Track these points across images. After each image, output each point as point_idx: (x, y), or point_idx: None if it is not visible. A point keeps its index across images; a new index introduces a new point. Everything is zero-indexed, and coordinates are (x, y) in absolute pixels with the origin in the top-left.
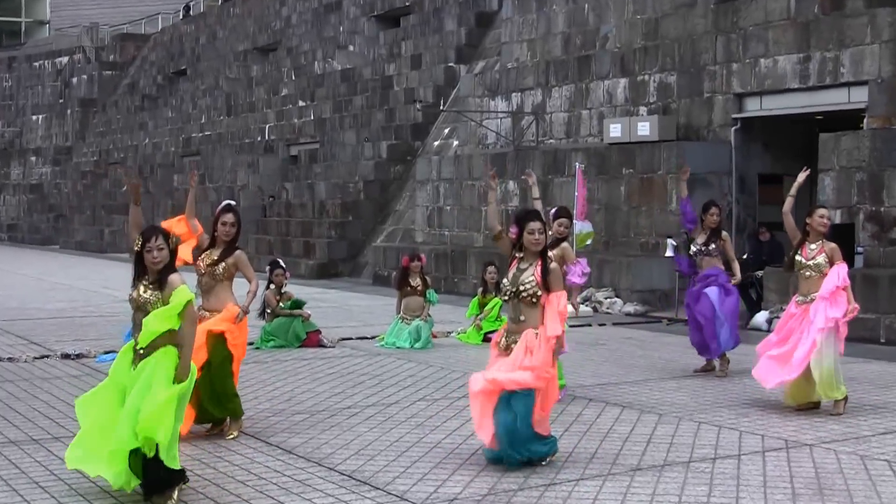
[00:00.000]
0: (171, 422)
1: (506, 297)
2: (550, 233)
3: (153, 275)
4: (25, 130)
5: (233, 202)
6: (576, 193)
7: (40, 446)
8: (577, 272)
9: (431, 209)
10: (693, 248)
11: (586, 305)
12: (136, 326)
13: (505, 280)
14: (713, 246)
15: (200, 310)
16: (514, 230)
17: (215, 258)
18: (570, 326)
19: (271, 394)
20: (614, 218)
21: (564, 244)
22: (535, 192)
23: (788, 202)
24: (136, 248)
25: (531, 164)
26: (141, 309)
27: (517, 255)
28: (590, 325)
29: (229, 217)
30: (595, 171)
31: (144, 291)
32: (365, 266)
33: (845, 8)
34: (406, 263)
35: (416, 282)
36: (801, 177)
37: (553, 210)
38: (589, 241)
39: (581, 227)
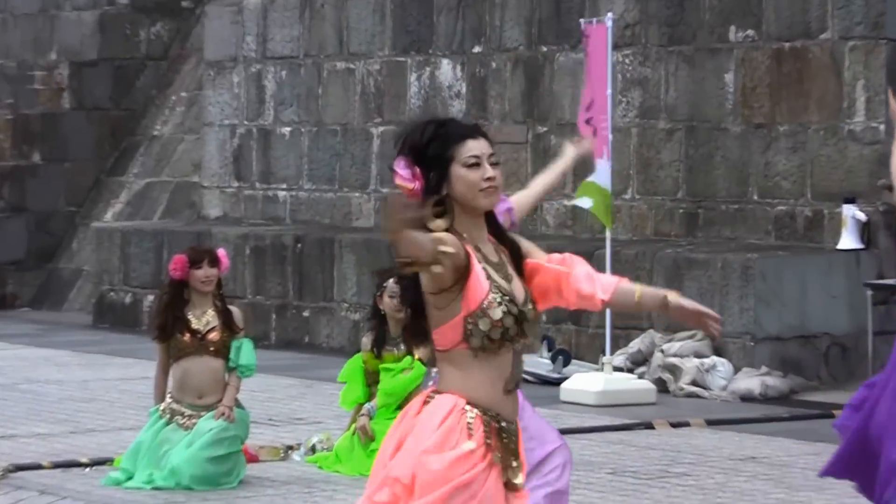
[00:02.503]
0: None
1: (493, 339)
2: None
3: None
4: None
5: None
6: (582, 97)
7: None
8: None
9: (244, 136)
10: None
11: (640, 375)
12: None
13: (494, 301)
14: None
15: None
16: (407, 173)
17: None
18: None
19: None
20: (706, 154)
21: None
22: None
23: None
24: None
25: (495, 11)
26: None
27: (441, 225)
28: (650, 429)
29: None
30: (653, 33)
31: None
32: (77, 281)
33: None
34: (179, 273)
35: (204, 320)
36: None
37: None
38: (587, 201)
39: (600, 170)
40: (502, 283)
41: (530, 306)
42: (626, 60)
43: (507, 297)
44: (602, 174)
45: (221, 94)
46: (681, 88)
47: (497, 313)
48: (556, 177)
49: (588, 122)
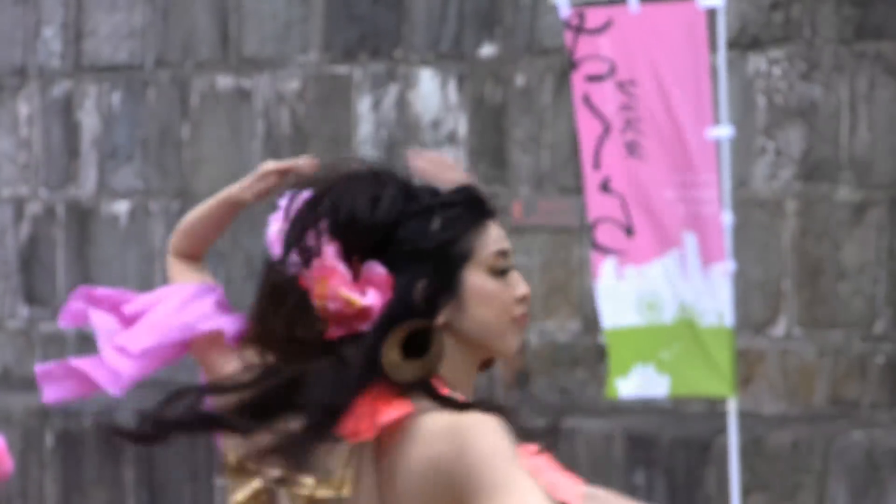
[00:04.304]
0: None
1: None
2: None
3: None
4: None
5: None
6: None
7: None
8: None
9: (40, 220)
10: None
11: None
12: None
13: None
14: None
15: None
16: (342, 271)
17: None
18: None
19: None
20: None
21: None
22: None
23: None
24: None
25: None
26: None
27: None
28: None
29: None
30: (826, 18)
31: None
32: None
33: None
34: None
35: None
36: None
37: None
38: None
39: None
40: None
41: None
42: (774, 70)
43: None
44: (689, 291)
45: None
46: (882, 125)
47: None
48: None
49: (605, 187)
